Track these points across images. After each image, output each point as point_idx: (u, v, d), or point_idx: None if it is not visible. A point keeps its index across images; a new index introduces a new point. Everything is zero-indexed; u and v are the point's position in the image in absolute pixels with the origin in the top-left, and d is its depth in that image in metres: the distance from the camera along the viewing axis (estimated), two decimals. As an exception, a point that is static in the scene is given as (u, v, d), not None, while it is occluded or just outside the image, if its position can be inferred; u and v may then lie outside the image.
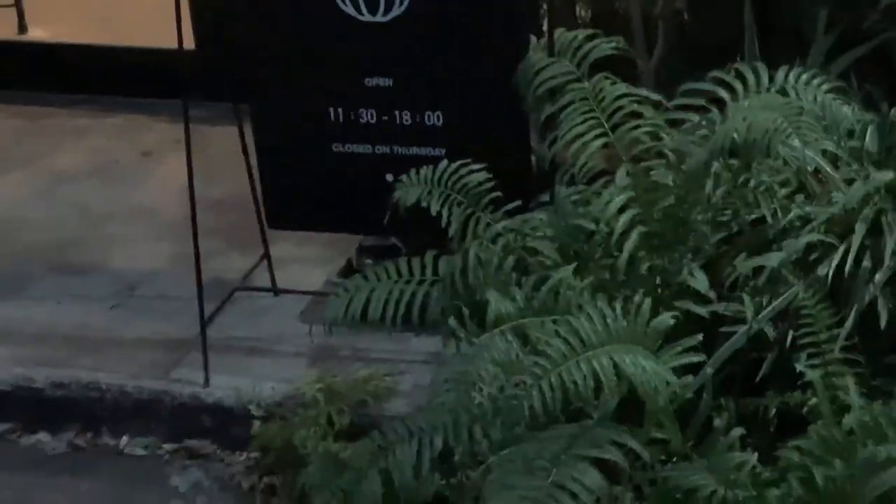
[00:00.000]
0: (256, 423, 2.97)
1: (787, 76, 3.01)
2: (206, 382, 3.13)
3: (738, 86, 3.06)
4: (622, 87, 3.11)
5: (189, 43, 3.35)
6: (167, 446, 3.09)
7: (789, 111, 2.74)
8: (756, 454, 2.49)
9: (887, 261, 2.64)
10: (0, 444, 3.13)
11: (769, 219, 2.78)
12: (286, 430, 2.88)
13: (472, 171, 3.09)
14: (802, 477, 2.38)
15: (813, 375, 2.50)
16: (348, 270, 3.42)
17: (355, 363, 3.11)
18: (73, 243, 3.76)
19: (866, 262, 2.65)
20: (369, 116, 3.35)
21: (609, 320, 2.60)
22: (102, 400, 3.14)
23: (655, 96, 3.12)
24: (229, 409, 3.04)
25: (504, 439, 2.56)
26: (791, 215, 2.73)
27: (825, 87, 2.96)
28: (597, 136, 3.04)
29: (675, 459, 2.51)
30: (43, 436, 3.14)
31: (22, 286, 3.58)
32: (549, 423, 2.50)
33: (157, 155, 4.26)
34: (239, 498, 2.91)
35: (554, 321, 2.62)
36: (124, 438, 3.12)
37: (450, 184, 3.11)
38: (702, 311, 2.69)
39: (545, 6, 3.55)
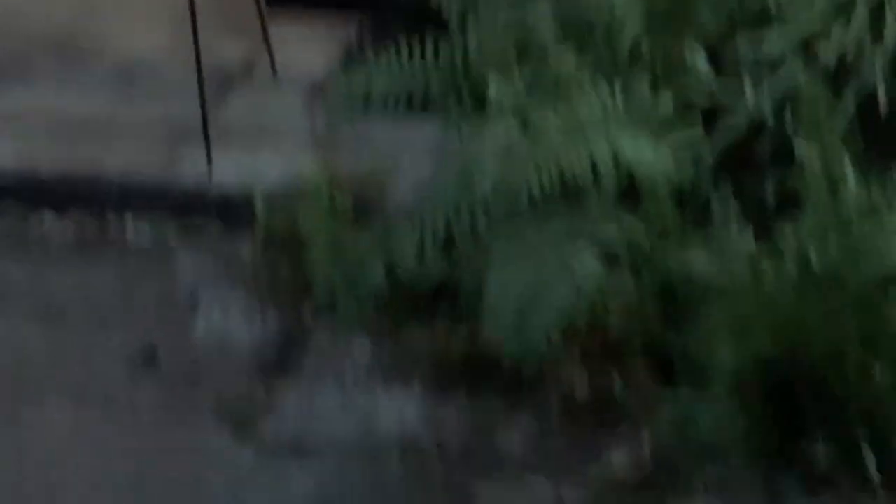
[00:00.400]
0: (260, 207, 2.97)
1: None
2: (210, 167, 3.09)
3: None
4: None
5: None
6: (171, 231, 3.07)
7: None
8: (752, 237, 2.48)
9: (888, 41, 2.60)
10: (6, 227, 3.13)
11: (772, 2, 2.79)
12: (290, 214, 2.90)
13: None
14: (798, 259, 2.39)
15: (810, 153, 2.49)
16: (351, 54, 3.36)
17: (357, 150, 3.08)
18: (72, 32, 3.71)
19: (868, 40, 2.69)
20: None
21: (609, 103, 2.63)
22: (108, 185, 3.12)
23: None
24: (233, 194, 3.01)
25: (504, 223, 2.61)
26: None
27: None
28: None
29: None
30: (49, 219, 3.12)
31: (25, 75, 3.53)
32: (548, 206, 2.54)
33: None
34: (243, 280, 2.92)
35: (553, 104, 2.63)
36: (129, 222, 3.09)
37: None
38: (701, 95, 2.66)
39: None
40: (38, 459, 2.48)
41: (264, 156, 3.15)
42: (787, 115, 2.62)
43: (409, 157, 3.06)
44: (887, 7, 2.65)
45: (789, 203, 2.52)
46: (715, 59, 2.75)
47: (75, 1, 3.93)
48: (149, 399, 2.60)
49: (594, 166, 2.55)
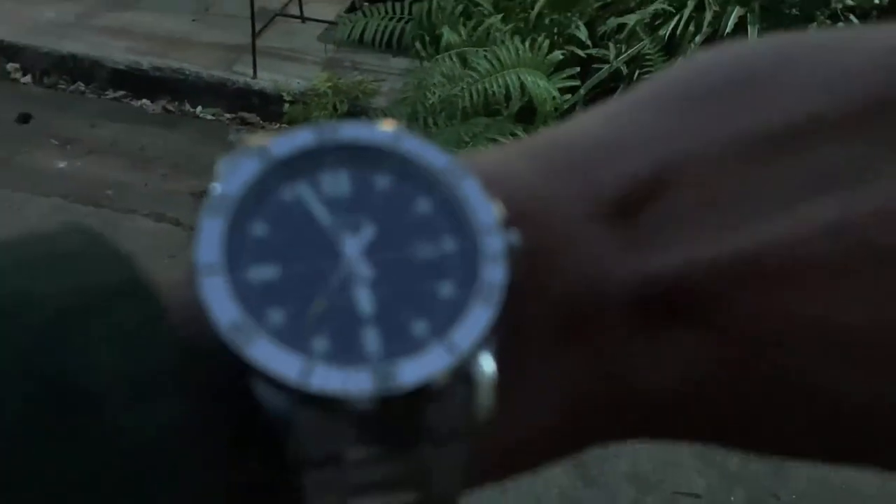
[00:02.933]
0: (286, 105, 3.08)
1: None
2: (254, 75, 3.23)
3: None
4: None
5: None
6: (227, 115, 3.20)
7: None
8: None
9: (704, 27, 2.81)
10: (119, 104, 3.24)
11: None
12: (306, 110, 3.01)
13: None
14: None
15: None
16: (352, 8, 3.48)
17: (353, 71, 3.22)
18: None
19: (692, 28, 2.83)
20: None
21: (520, 52, 2.79)
22: (186, 81, 3.25)
23: None
24: (269, 94, 3.15)
25: (445, 126, 2.77)
26: None
27: None
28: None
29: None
30: (145, 102, 3.26)
31: (133, 2, 3.62)
32: (474, 117, 2.76)
33: None
34: None
35: (484, 50, 2.84)
36: (199, 107, 3.25)
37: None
38: (580, 52, 2.87)
39: None
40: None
41: (291, 70, 3.25)
42: (635, 70, 2.80)
43: (388, 78, 3.15)
44: (706, 2, 2.81)
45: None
46: (592, 28, 2.92)
47: None
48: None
49: (506, 92, 2.74)
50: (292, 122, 3.03)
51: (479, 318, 0.23)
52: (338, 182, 0.24)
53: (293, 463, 0.22)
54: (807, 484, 1.93)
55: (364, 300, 0.23)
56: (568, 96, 2.79)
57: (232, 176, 0.24)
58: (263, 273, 0.23)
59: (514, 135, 2.66)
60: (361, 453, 0.23)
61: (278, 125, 3.10)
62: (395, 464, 0.23)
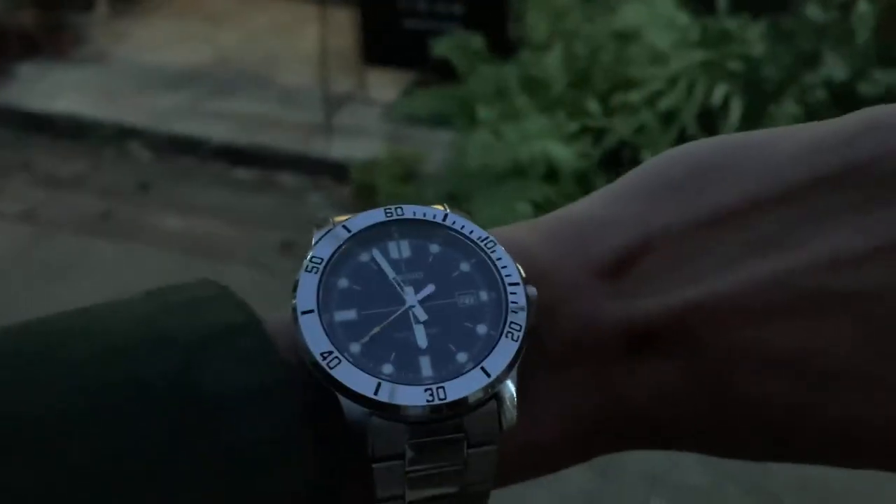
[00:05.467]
0: (354, 171, 3.03)
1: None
2: (329, 148, 3.22)
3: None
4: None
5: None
6: (306, 181, 3.18)
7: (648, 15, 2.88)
8: None
9: (695, 98, 2.79)
10: (220, 174, 3.21)
11: (639, 74, 2.85)
12: (370, 175, 2.97)
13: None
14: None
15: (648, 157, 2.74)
16: (408, 91, 3.47)
17: (408, 142, 3.16)
18: (262, 69, 3.69)
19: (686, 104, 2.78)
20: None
21: (544, 125, 2.75)
22: (275, 153, 3.24)
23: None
24: (341, 164, 3.12)
25: (481, 186, 2.70)
26: (647, 74, 2.84)
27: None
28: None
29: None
30: (241, 171, 3.25)
31: (233, 91, 3.55)
32: (506, 179, 2.70)
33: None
34: (343, 208, 2.86)
35: (513, 124, 2.78)
36: (283, 175, 3.22)
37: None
38: (594, 124, 2.83)
39: None
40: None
41: (359, 143, 3.21)
42: (640, 138, 2.78)
43: (436, 149, 3.10)
44: (697, 81, 2.81)
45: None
46: (604, 103, 2.87)
47: (266, 53, 3.87)
48: (284, 266, 2.61)
49: (532, 159, 2.70)
50: (360, 186, 3.02)
51: (506, 351, 0.26)
52: (401, 248, 0.27)
53: (367, 458, 0.25)
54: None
55: (420, 336, 0.26)
56: (584, 161, 2.78)
57: (323, 244, 0.27)
58: (345, 315, 0.26)
59: (540, 195, 2.63)
60: (417, 452, 0.25)
61: (348, 188, 3.08)
62: (442, 461, 0.25)
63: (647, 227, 0.27)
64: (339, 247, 0.27)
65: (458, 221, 0.28)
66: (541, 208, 2.60)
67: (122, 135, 3.32)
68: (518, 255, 0.27)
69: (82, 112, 3.39)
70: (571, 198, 2.57)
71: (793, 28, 2.83)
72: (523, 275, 0.27)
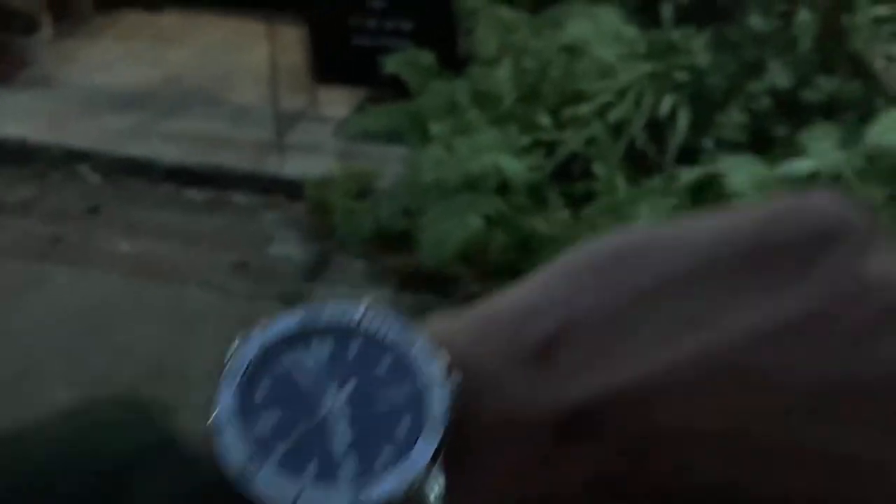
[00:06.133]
0: (308, 189, 3.04)
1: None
2: (281, 166, 3.26)
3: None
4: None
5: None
6: (259, 200, 3.21)
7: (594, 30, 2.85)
8: (567, 213, 2.61)
9: (645, 113, 2.77)
10: (170, 195, 3.22)
11: (588, 87, 2.82)
12: (324, 192, 2.99)
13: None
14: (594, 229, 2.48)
15: (598, 169, 2.69)
16: (360, 108, 3.45)
17: (360, 158, 3.19)
18: (213, 88, 3.66)
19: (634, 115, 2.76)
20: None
21: (496, 139, 2.72)
22: (226, 172, 3.27)
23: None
24: (295, 182, 3.14)
25: (434, 200, 2.69)
26: (596, 87, 2.81)
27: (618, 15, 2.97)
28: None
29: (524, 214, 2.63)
30: (192, 190, 3.27)
31: (184, 110, 3.53)
32: (459, 193, 2.68)
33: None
34: (298, 226, 3.06)
35: (465, 138, 2.74)
36: (236, 194, 3.25)
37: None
38: (545, 137, 2.81)
39: None
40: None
41: (312, 161, 3.24)
42: (590, 150, 2.76)
43: (389, 164, 3.11)
44: (645, 92, 2.78)
45: (590, 196, 2.68)
46: (555, 116, 2.85)
47: (216, 71, 3.83)
48: (238, 287, 2.67)
49: (484, 172, 2.68)
50: (314, 204, 3.03)
51: (429, 445, 0.26)
52: (322, 348, 0.28)
53: None
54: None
55: (343, 433, 0.26)
56: (536, 174, 2.77)
57: (241, 350, 0.27)
58: (269, 418, 0.27)
59: (493, 208, 2.63)
60: None
61: (301, 206, 3.09)
62: None
63: (571, 311, 0.28)
64: (259, 353, 0.27)
65: (377, 321, 0.28)
66: (493, 222, 2.61)
67: (71, 158, 3.37)
68: (442, 346, 0.28)
69: (29, 136, 3.41)
70: (523, 210, 2.70)
71: (736, 38, 2.86)
72: (446, 367, 0.27)
